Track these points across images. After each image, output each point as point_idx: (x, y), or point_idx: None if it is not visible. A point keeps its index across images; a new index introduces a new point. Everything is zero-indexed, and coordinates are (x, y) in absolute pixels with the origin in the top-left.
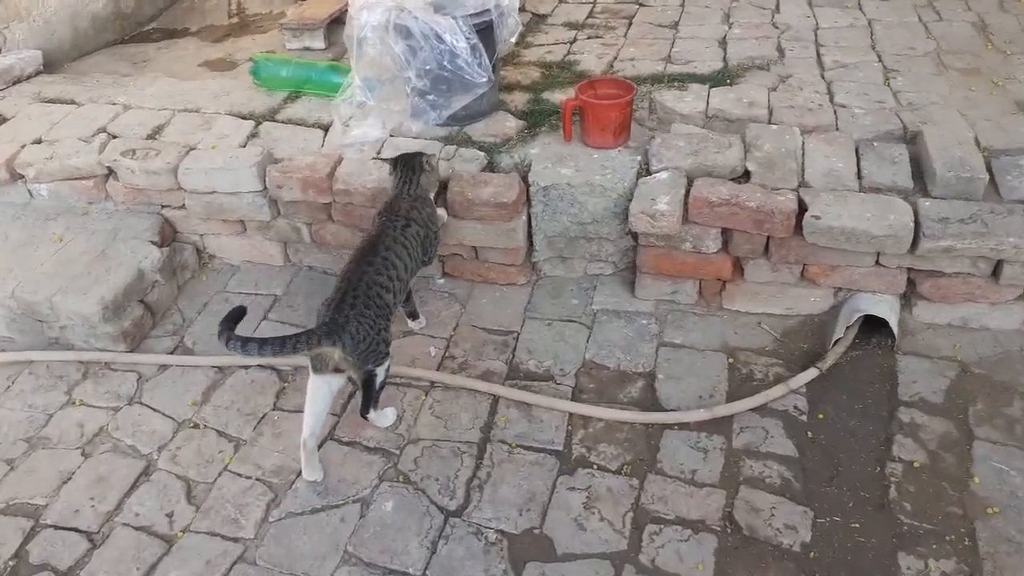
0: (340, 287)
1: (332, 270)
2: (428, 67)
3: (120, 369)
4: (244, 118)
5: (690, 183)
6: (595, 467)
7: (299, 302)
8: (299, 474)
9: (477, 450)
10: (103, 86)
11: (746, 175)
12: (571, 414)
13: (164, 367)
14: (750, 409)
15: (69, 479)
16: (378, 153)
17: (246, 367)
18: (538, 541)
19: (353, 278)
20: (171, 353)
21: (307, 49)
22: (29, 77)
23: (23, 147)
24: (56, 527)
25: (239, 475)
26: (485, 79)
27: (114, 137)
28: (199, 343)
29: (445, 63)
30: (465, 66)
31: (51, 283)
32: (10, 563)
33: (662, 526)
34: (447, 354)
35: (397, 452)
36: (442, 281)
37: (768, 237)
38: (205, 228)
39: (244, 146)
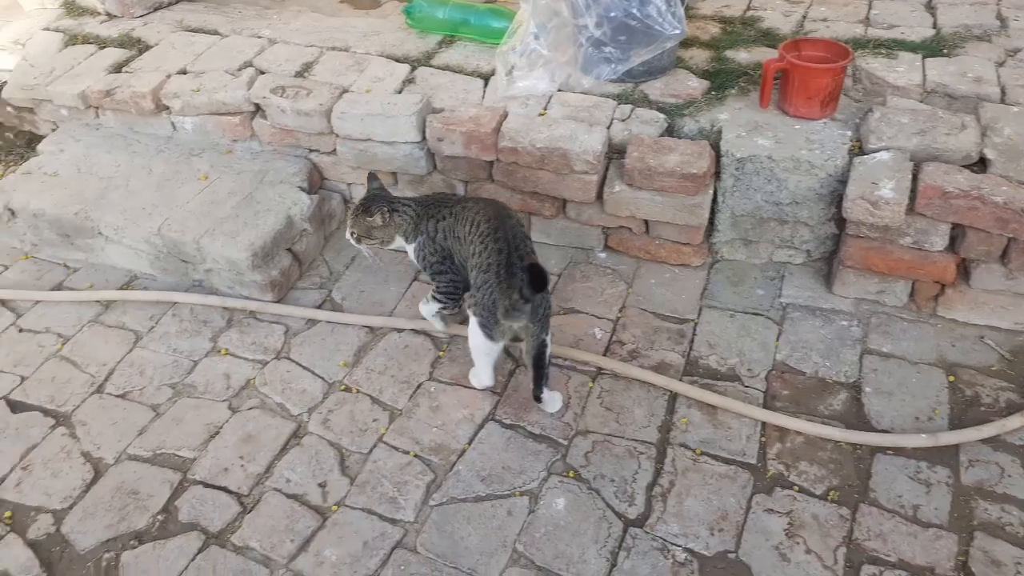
0: (500, 248)
1: None
2: (612, 14)
3: (266, 320)
4: (398, 61)
5: (916, 168)
6: (796, 488)
7: None
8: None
9: (656, 452)
10: (246, 18)
11: (981, 163)
12: (764, 423)
13: (312, 322)
14: (980, 440)
15: (216, 434)
16: (545, 108)
17: (399, 330)
18: (734, 568)
19: (510, 236)
20: (319, 308)
21: None
22: (170, 4)
23: (168, 77)
24: (205, 484)
25: (396, 449)
26: (678, 31)
27: (261, 73)
28: (348, 299)
29: (633, 10)
30: (656, 15)
31: (198, 223)
32: (159, 517)
33: (882, 568)
34: (614, 338)
35: (565, 443)
36: (603, 255)
37: (1009, 239)
38: (354, 177)
39: (399, 92)
